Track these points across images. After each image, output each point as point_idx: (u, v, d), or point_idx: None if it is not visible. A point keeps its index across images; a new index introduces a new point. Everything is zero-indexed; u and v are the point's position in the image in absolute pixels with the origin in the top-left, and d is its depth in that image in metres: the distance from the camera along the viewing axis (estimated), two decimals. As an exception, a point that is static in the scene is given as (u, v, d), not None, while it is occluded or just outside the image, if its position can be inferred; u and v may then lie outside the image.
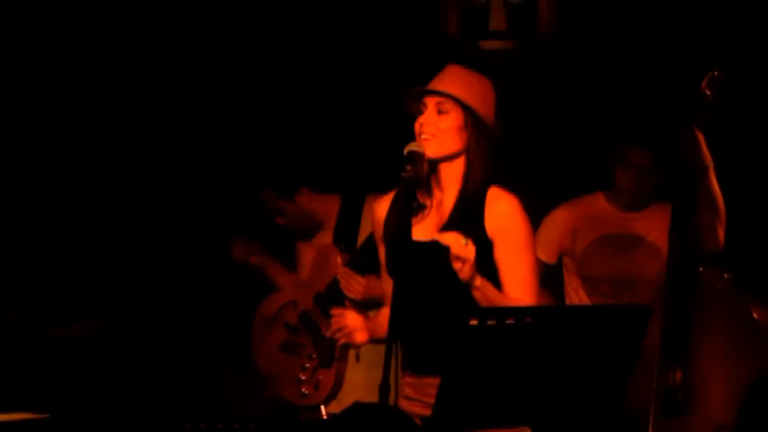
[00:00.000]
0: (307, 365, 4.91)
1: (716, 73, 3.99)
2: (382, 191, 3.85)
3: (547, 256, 4.99)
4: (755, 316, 3.86)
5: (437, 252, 3.56)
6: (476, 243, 3.54)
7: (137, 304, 5.75)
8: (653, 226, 4.79)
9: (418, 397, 3.65)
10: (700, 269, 3.98)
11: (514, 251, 3.64)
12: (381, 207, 3.81)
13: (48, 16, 5.70)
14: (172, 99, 5.81)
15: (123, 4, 5.76)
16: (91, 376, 5.55)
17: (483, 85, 3.73)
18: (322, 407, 4.89)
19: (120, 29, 5.76)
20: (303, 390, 4.91)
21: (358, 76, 5.63)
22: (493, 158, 3.70)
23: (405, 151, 3.63)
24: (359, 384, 4.90)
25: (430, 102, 3.68)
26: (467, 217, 3.66)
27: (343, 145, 5.44)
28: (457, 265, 3.47)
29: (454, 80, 3.69)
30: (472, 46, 5.68)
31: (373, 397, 4.72)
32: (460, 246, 3.46)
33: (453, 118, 3.66)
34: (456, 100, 3.65)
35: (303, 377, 4.91)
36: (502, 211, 3.65)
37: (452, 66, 3.76)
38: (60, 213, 5.71)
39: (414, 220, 3.69)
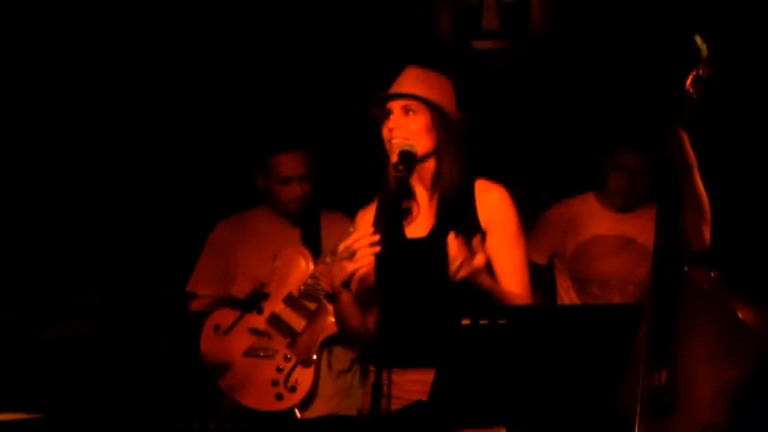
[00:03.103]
0: (283, 366, 4.90)
1: (701, 71, 3.98)
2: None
3: (538, 257, 4.99)
4: (740, 316, 3.85)
5: (431, 249, 3.63)
6: (472, 234, 3.60)
7: (130, 304, 5.75)
8: (643, 228, 4.78)
9: (399, 394, 3.65)
10: (686, 269, 3.97)
11: (507, 240, 3.69)
12: (366, 216, 3.84)
13: (48, 16, 5.70)
14: (166, 97, 5.81)
15: (123, 3, 5.77)
16: (83, 376, 5.55)
17: (443, 83, 3.75)
18: (297, 411, 4.88)
19: (117, 27, 5.76)
20: (278, 392, 4.89)
21: (351, 77, 5.62)
22: (465, 152, 3.73)
23: (398, 152, 3.65)
24: (330, 392, 4.91)
25: (396, 106, 3.70)
26: (459, 211, 3.69)
27: (335, 148, 5.44)
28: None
29: (415, 81, 3.71)
30: (465, 46, 5.68)
31: (344, 403, 4.78)
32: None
33: (421, 119, 3.68)
34: (422, 100, 3.67)
35: (279, 379, 4.89)
36: (493, 201, 3.70)
37: (411, 68, 3.78)
38: (52, 212, 5.71)
39: (404, 222, 3.72)
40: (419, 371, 3.59)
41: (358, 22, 5.68)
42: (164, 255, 5.78)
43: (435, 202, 3.74)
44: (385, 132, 3.70)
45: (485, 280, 3.56)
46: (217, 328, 4.97)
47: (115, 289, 5.76)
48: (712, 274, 3.97)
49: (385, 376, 3.39)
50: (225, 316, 4.97)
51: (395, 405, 3.62)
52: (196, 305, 5.12)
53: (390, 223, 3.72)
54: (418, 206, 3.75)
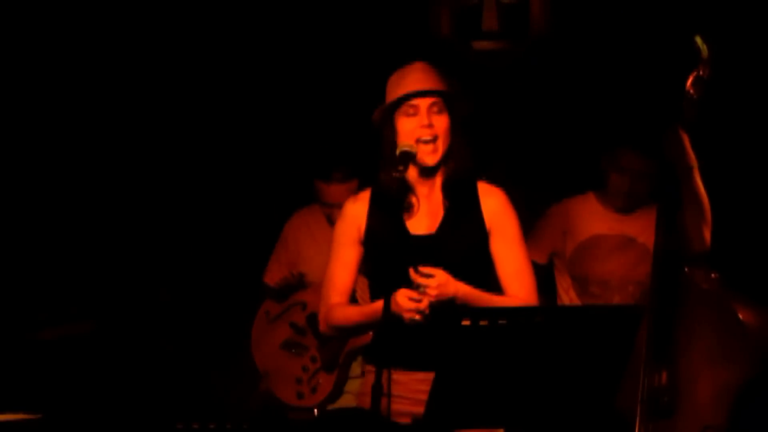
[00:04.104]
0: (309, 367, 4.93)
1: (701, 72, 3.97)
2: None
3: (538, 257, 4.99)
4: (741, 316, 3.84)
5: (440, 245, 3.63)
6: (475, 235, 3.65)
7: (129, 305, 5.76)
8: (644, 228, 4.78)
9: (406, 394, 3.64)
10: (686, 270, 3.96)
11: (510, 244, 3.69)
12: (356, 206, 3.80)
13: (48, 16, 5.70)
14: (167, 101, 5.82)
15: (123, 3, 5.77)
16: (83, 376, 5.55)
17: (445, 76, 3.73)
18: (316, 411, 4.90)
19: (122, 28, 5.76)
20: (300, 390, 4.92)
21: (351, 78, 5.62)
22: (467, 142, 3.71)
23: (397, 152, 3.63)
24: (361, 389, 4.90)
25: (423, 104, 3.65)
26: (465, 210, 3.69)
27: (333, 148, 5.44)
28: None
29: (438, 78, 3.67)
30: (465, 47, 5.68)
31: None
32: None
33: (446, 117, 3.66)
34: (451, 96, 3.65)
35: (303, 378, 4.92)
36: (495, 204, 3.70)
37: (422, 63, 3.73)
38: (53, 214, 5.72)
39: (405, 217, 3.71)
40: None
41: (357, 24, 5.68)
42: (165, 256, 5.79)
43: (435, 196, 3.73)
44: (415, 128, 3.65)
45: (479, 301, 3.57)
46: (267, 314, 5.07)
47: (116, 290, 5.76)
48: (713, 275, 3.95)
49: (384, 376, 3.38)
50: (276, 304, 5.05)
51: (400, 404, 3.62)
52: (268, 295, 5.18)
53: (391, 222, 3.71)
54: (418, 200, 3.73)
